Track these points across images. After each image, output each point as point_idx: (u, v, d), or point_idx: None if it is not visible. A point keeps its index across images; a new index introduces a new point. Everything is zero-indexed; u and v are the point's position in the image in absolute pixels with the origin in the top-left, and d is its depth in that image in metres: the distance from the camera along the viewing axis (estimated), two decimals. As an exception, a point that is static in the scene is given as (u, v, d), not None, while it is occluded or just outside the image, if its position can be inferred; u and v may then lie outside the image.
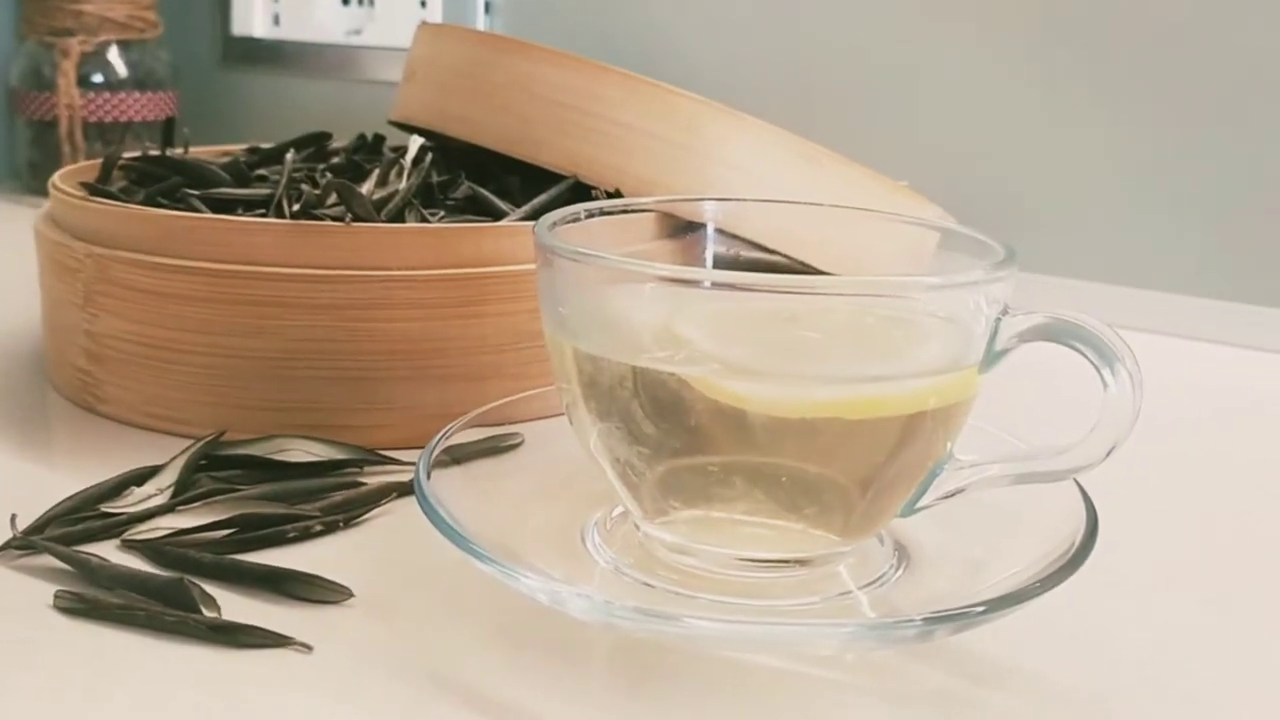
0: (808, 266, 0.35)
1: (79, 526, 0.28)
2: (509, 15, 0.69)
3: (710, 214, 0.32)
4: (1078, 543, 0.24)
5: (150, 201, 0.38)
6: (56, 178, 0.40)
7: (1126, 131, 0.52)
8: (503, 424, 0.33)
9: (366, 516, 0.30)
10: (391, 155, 0.40)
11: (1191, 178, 0.50)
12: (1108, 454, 0.24)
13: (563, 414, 0.28)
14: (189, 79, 0.80)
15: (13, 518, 0.28)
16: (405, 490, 0.31)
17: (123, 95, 0.74)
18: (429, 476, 0.27)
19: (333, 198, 0.37)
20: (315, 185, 0.38)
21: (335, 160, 0.45)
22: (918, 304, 0.27)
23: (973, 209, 0.54)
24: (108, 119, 0.74)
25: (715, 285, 0.24)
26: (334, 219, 0.35)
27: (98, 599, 0.25)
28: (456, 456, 0.30)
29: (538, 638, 0.25)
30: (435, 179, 0.40)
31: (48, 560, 0.27)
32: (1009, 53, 0.54)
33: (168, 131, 0.46)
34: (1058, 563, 0.24)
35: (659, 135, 0.39)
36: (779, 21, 0.60)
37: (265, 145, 0.49)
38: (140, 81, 0.75)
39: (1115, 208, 0.52)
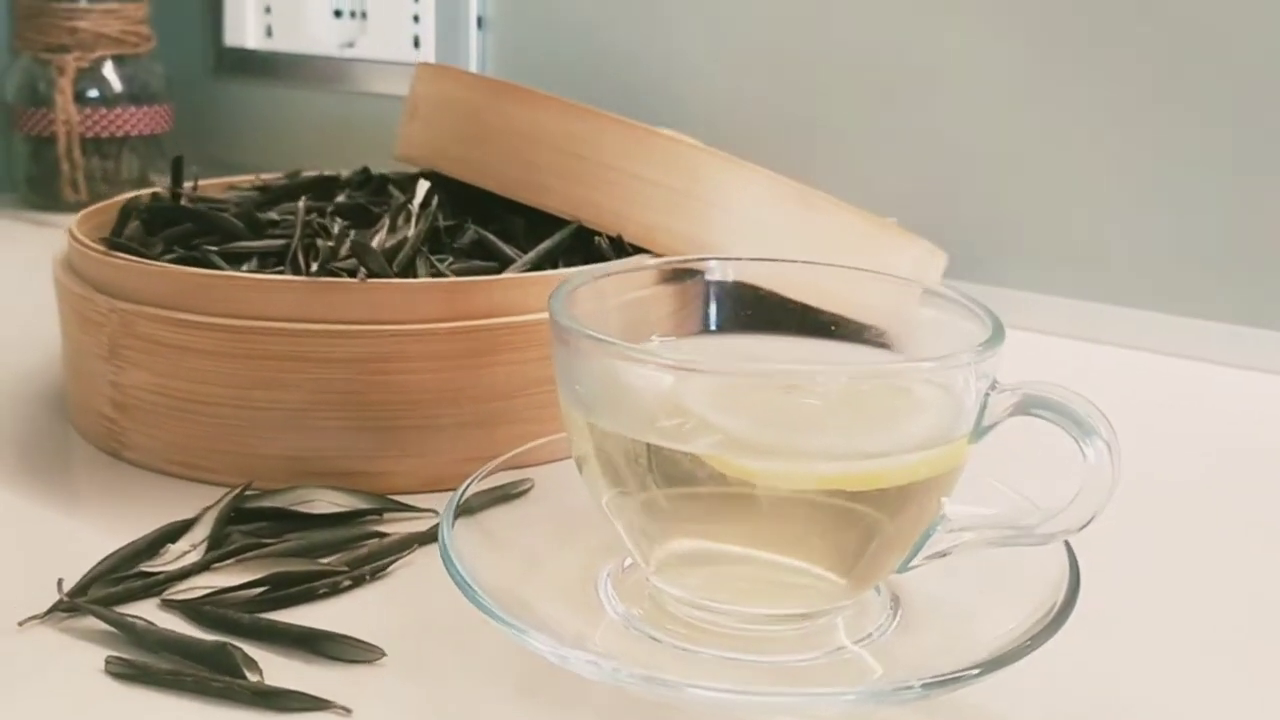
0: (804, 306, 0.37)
1: (120, 587, 0.30)
2: (501, 31, 0.70)
3: (713, 268, 0.34)
4: (1059, 603, 0.26)
5: (169, 252, 0.39)
6: (74, 226, 0.41)
7: (1126, 149, 0.53)
8: (513, 468, 0.34)
9: (391, 569, 0.32)
10: (400, 200, 0.42)
11: (1197, 196, 0.52)
12: (1086, 523, 0.26)
13: (570, 457, 0.29)
14: (182, 90, 0.81)
15: (59, 582, 0.30)
16: (425, 539, 0.33)
17: (119, 110, 0.75)
18: (452, 537, 0.29)
19: (347, 244, 0.38)
20: (327, 233, 0.39)
21: (341, 200, 0.46)
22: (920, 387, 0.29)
23: (967, 227, 0.56)
24: (104, 134, 0.75)
25: (721, 373, 0.26)
26: (348, 272, 0.36)
27: (147, 665, 0.27)
28: (471, 506, 0.32)
29: (565, 690, 0.27)
30: (442, 223, 0.41)
31: (92, 622, 0.29)
32: (1009, 70, 0.55)
33: (176, 170, 0.48)
34: (1046, 617, 0.26)
35: (659, 182, 0.40)
36: (770, 37, 0.61)
37: (271, 177, 0.51)
38: (135, 95, 0.76)
39: (1113, 226, 0.54)
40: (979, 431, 0.26)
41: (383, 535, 0.33)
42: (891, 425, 0.27)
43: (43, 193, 0.76)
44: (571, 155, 0.41)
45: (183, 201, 0.45)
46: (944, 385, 0.27)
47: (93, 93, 0.75)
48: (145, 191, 0.47)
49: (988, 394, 0.26)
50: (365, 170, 0.50)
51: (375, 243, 0.38)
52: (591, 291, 0.30)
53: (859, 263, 0.42)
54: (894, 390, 0.28)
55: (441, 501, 0.35)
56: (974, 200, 0.57)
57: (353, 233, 0.39)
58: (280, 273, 0.37)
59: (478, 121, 0.43)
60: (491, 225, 0.43)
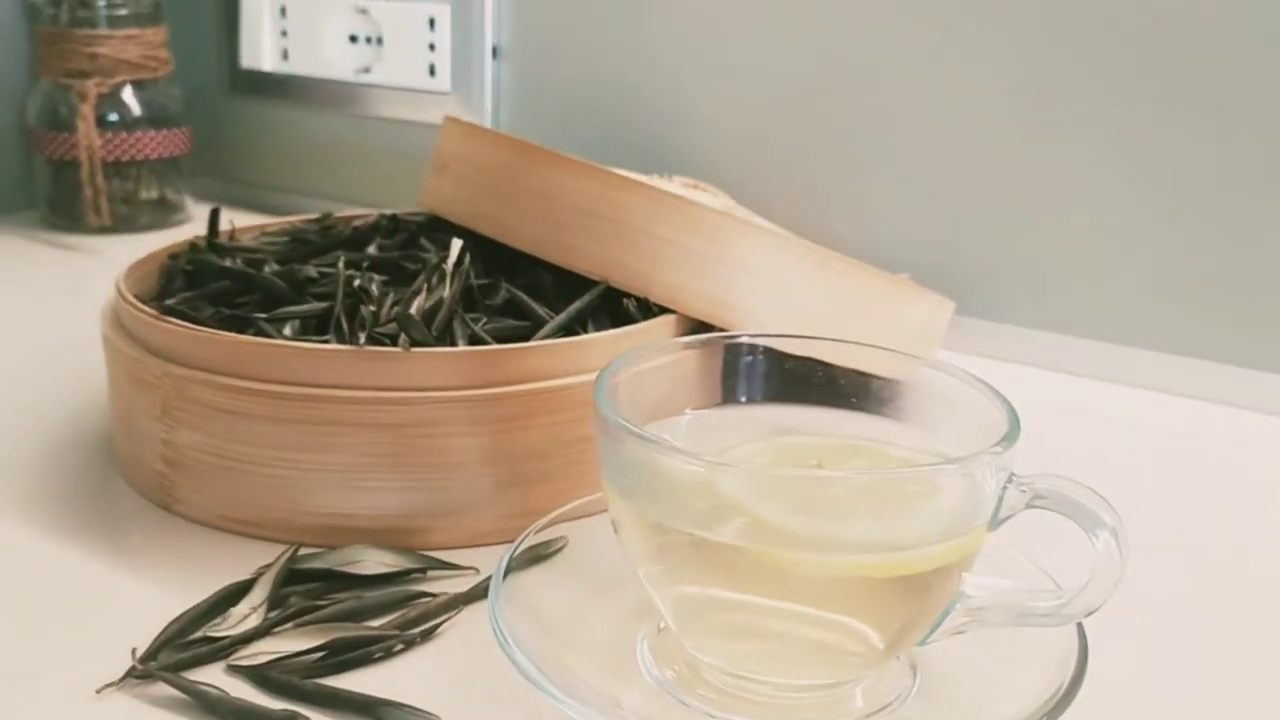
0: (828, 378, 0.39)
1: (188, 653, 0.32)
2: (516, 60, 0.71)
3: (743, 342, 0.36)
4: (1065, 684, 0.28)
5: (215, 312, 0.41)
6: (121, 282, 0.43)
7: (1126, 188, 0.55)
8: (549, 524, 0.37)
9: (439, 631, 0.34)
10: (434, 261, 0.43)
11: (1197, 230, 0.54)
12: (1094, 610, 0.28)
13: (602, 512, 0.31)
14: (198, 110, 0.83)
15: (133, 651, 0.32)
16: (469, 599, 0.35)
17: (139, 134, 0.77)
18: (501, 609, 0.31)
19: (388, 305, 0.40)
20: (368, 295, 0.41)
21: (373, 251, 0.48)
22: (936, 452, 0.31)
23: (970, 262, 0.58)
24: (125, 158, 0.76)
25: (753, 473, 0.28)
26: (392, 339, 0.38)
27: (218, 734, 0.29)
28: (512, 566, 0.34)
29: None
30: (475, 281, 0.43)
31: (163, 688, 0.31)
32: (1009, 104, 0.57)
33: (213, 222, 0.49)
34: (1057, 694, 0.28)
35: (682, 244, 0.42)
36: (775, 71, 0.63)
37: (302, 221, 0.52)
38: (154, 119, 0.78)
39: (1114, 268, 0.56)
40: (995, 522, 0.28)
41: (429, 595, 0.35)
42: (915, 513, 0.29)
43: (64, 214, 0.78)
44: (599, 218, 0.43)
45: (220, 253, 0.47)
46: (966, 475, 0.29)
47: (113, 117, 0.76)
48: (183, 241, 0.49)
49: (1005, 486, 0.28)
50: (394, 218, 0.52)
51: (414, 307, 0.40)
52: (629, 375, 0.32)
53: (874, 318, 0.44)
54: (918, 479, 0.30)
55: (480, 557, 0.37)
56: (975, 236, 0.58)
57: (392, 294, 0.41)
58: (325, 339, 0.39)
59: (507, 182, 0.44)
60: (520, 279, 0.45)
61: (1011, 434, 0.28)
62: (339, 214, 0.54)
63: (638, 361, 0.33)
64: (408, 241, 0.49)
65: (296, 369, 0.37)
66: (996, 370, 0.56)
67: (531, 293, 0.44)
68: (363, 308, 0.39)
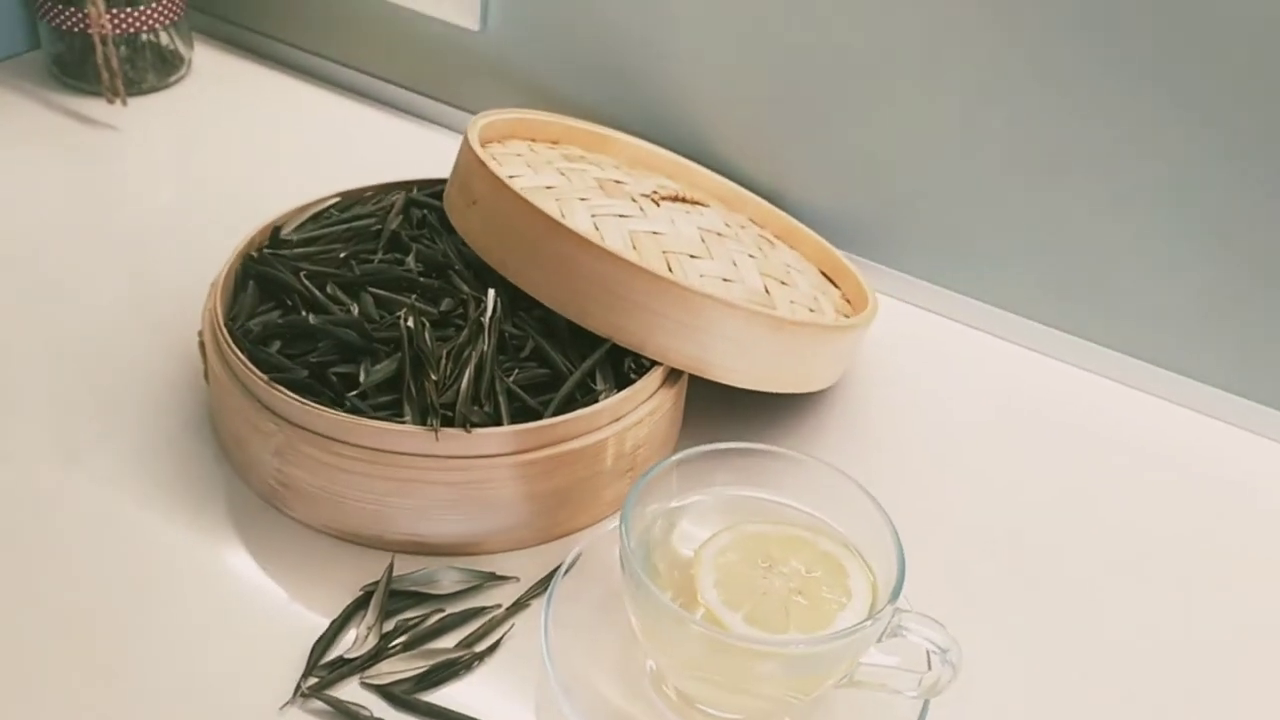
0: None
1: (333, 674, 0.47)
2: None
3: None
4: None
5: (313, 374, 0.52)
6: (218, 311, 0.54)
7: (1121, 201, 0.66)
8: (563, 536, 0.52)
9: (500, 644, 0.49)
10: (474, 316, 0.54)
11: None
12: (937, 694, 0.44)
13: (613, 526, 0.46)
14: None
15: (299, 683, 0.46)
16: (515, 609, 0.50)
17: (141, 9, 0.81)
18: (550, 646, 0.46)
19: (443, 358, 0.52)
20: (430, 360, 0.52)
21: (411, 263, 0.58)
22: (852, 560, 0.46)
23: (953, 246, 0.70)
24: (131, 31, 0.81)
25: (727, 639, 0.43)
26: (452, 414, 0.50)
27: (374, 749, 0.45)
28: (550, 602, 0.49)
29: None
30: (508, 330, 0.55)
31: (319, 704, 0.46)
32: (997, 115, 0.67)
33: (275, 236, 0.59)
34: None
35: (672, 316, 0.54)
36: (771, 30, 0.70)
37: (338, 203, 0.62)
38: (156, -12, 0.82)
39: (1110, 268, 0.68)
40: (883, 636, 0.44)
41: (489, 608, 0.50)
42: (833, 621, 0.44)
43: (73, 74, 0.83)
44: (607, 291, 0.54)
45: (280, 263, 0.57)
46: (871, 625, 0.43)
47: (116, -9, 0.80)
48: (257, 235, 0.59)
49: (893, 613, 0.43)
50: (411, 199, 0.62)
51: (466, 380, 0.52)
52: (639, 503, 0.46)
53: (813, 360, 0.57)
54: (838, 595, 0.45)
55: (521, 560, 0.52)
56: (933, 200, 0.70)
57: (445, 353, 0.53)
58: (402, 416, 0.51)
59: (530, 245, 0.55)
60: (537, 310, 0.56)
61: (897, 589, 0.43)
62: (354, 188, 0.64)
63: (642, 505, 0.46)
64: (442, 273, 0.59)
65: (385, 440, 0.50)
66: (918, 317, 0.69)
67: (548, 330, 0.56)
68: (426, 383, 0.51)
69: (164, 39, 0.84)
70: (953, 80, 0.64)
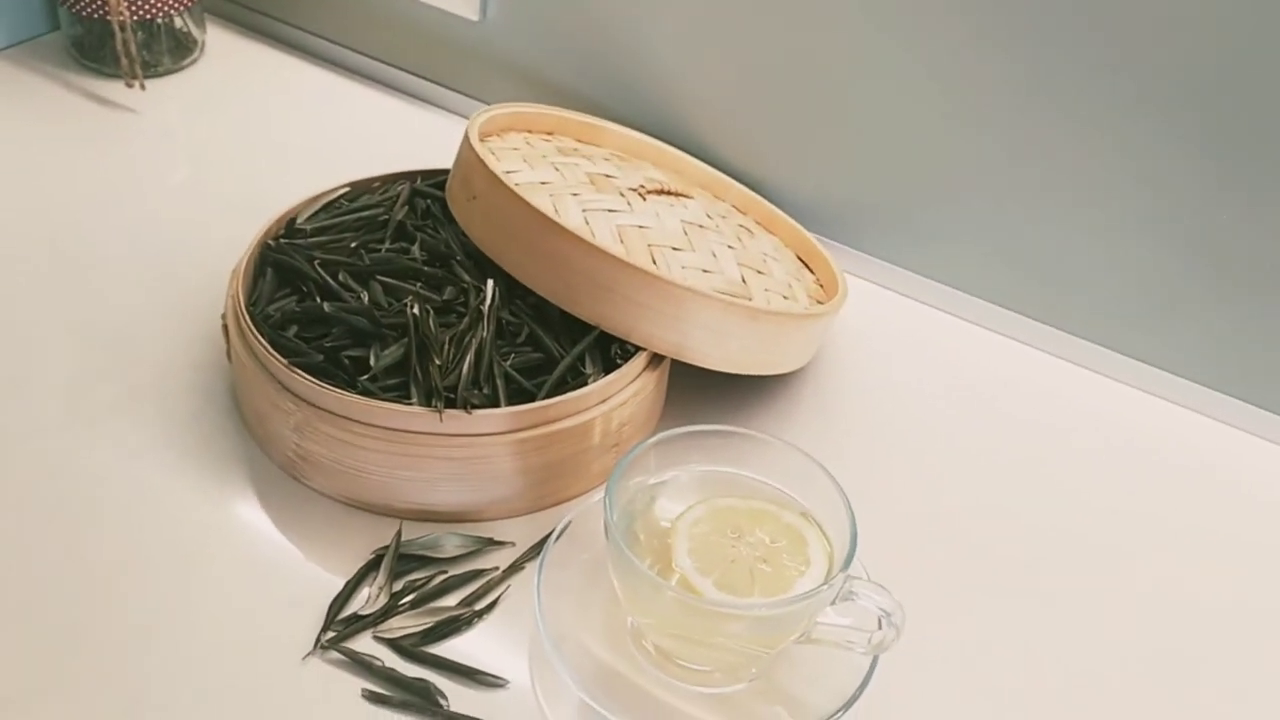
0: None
1: (348, 629, 0.52)
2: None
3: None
4: (858, 684, 0.50)
5: (328, 357, 0.57)
6: (246, 318, 0.59)
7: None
8: (555, 505, 0.57)
9: (497, 602, 0.55)
10: (474, 305, 0.60)
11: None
12: (882, 652, 0.50)
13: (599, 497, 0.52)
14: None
15: (319, 635, 0.52)
16: (510, 571, 0.56)
17: (159, -5, 0.85)
18: (542, 612, 0.52)
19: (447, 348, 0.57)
20: (435, 346, 0.57)
21: (416, 253, 0.63)
22: (811, 531, 0.51)
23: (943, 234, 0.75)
24: (147, 17, 0.85)
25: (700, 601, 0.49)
26: (454, 396, 0.56)
27: (383, 695, 0.50)
28: (542, 566, 0.54)
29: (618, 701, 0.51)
30: (505, 317, 0.60)
31: (337, 655, 0.52)
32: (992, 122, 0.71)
33: (290, 226, 0.64)
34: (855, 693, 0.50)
35: (655, 307, 0.59)
36: (755, 26, 0.75)
37: (348, 191, 0.67)
38: (171, -24, 0.86)
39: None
40: (836, 599, 0.49)
41: (487, 570, 0.56)
42: (792, 586, 0.50)
43: (91, 56, 0.87)
44: (596, 284, 0.59)
45: (296, 251, 0.62)
46: (825, 590, 0.49)
47: (133, -21, 0.84)
48: (276, 223, 0.64)
49: (845, 580, 0.49)
50: (416, 191, 0.67)
51: (467, 365, 0.57)
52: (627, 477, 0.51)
53: (785, 347, 0.63)
54: (798, 563, 0.50)
55: (517, 527, 0.58)
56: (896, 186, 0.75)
57: (447, 338, 0.58)
58: (410, 399, 0.56)
59: (527, 242, 0.60)
60: (531, 298, 0.61)
61: (849, 558, 0.49)
62: (362, 179, 0.69)
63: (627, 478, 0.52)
64: (445, 263, 0.64)
65: (394, 420, 0.55)
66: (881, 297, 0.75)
67: (541, 317, 0.61)
68: (431, 367, 0.56)
69: (178, 22, 0.88)
70: (926, 80, 0.69)
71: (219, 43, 0.93)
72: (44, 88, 0.86)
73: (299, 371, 0.56)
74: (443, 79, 0.88)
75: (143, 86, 0.85)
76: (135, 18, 0.85)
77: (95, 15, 0.84)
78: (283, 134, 0.85)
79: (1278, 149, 0.61)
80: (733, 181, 0.77)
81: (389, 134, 0.86)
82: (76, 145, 0.81)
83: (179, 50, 0.89)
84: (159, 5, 0.85)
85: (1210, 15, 0.59)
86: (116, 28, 0.83)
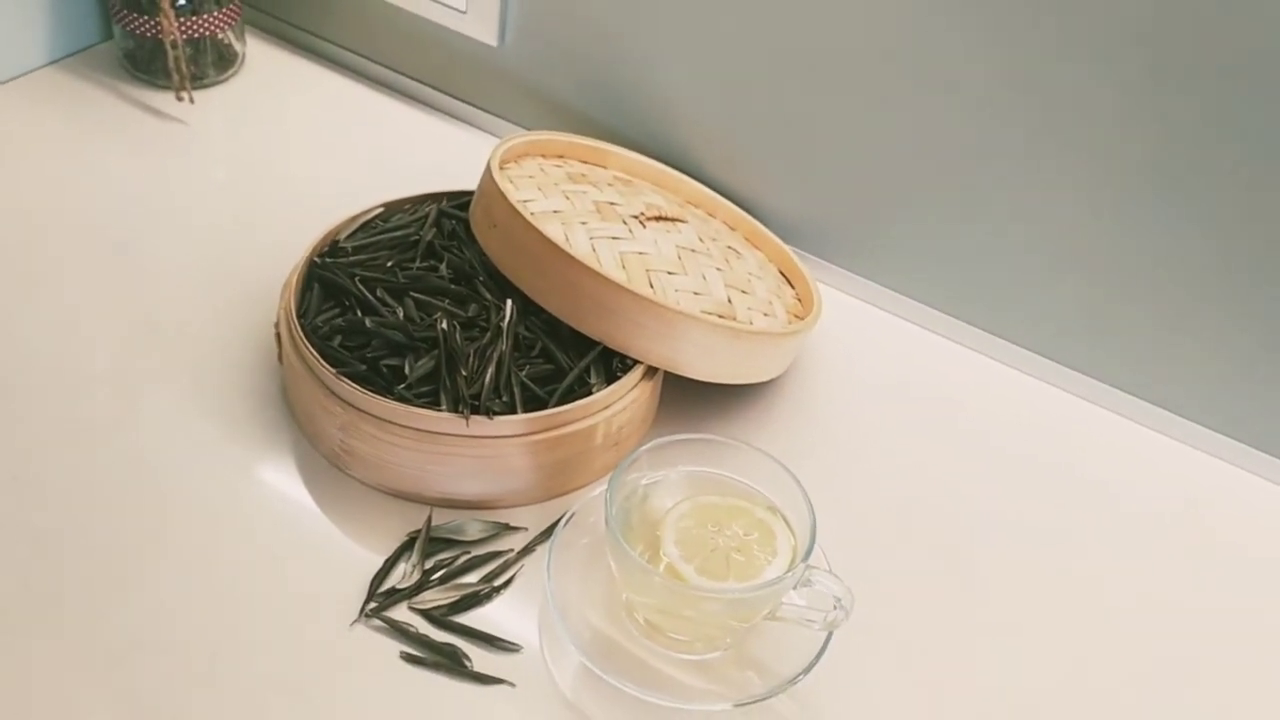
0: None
1: (387, 600, 0.62)
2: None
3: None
4: (814, 655, 0.60)
5: (371, 367, 0.67)
6: (292, 308, 0.68)
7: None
8: (562, 495, 0.67)
9: (513, 579, 0.64)
10: (495, 323, 0.69)
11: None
12: (834, 629, 0.60)
13: (601, 490, 0.61)
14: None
15: (364, 605, 0.62)
16: (524, 553, 0.66)
17: (204, 16, 0.93)
18: (552, 590, 0.61)
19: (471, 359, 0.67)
20: (461, 358, 0.67)
21: (444, 271, 0.72)
22: (779, 525, 0.61)
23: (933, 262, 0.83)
24: (196, 35, 0.94)
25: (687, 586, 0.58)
26: (477, 403, 0.65)
27: (418, 656, 0.60)
28: (552, 549, 0.64)
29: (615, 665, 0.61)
30: (521, 333, 0.69)
31: (379, 623, 0.61)
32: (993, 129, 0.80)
33: (334, 245, 0.73)
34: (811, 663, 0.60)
35: (651, 327, 0.68)
36: (759, 37, 0.83)
37: (380, 214, 0.76)
38: (218, -1, 0.94)
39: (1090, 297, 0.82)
40: (798, 585, 0.59)
41: (504, 552, 0.65)
42: (762, 574, 0.59)
43: (143, 70, 0.96)
44: (602, 306, 0.68)
45: (340, 260, 0.71)
46: (788, 577, 0.59)
47: (181, 1, 0.92)
48: (324, 239, 0.73)
49: (804, 569, 0.59)
50: (443, 212, 0.76)
51: (489, 376, 0.66)
52: (625, 476, 0.61)
53: (765, 361, 0.72)
54: (767, 553, 0.60)
55: (530, 515, 0.67)
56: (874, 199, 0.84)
57: (473, 350, 0.67)
58: (439, 404, 0.65)
59: (540, 267, 0.69)
60: (544, 315, 0.71)
61: (808, 550, 0.58)
62: (394, 200, 0.78)
63: (627, 473, 0.61)
64: (468, 280, 0.73)
65: (426, 423, 0.65)
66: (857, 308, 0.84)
67: (553, 332, 0.70)
68: (458, 378, 0.66)
69: (221, 36, 0.96)
70: (908, 98, 0.78)
71: (258, 54, 1.01)
72: (100, 98, 0.95)
73: (346, 380, 0.66)
74: (465, 95, 0.96)
75: (192, 100, 0.93)
76: (185, 36, 0.93)
77: (149, 35, 0.92)
78: (317, 142, 0.93)
79: (1239, 167, 0.67)
80: (723, 200, 0.86)
81: (415, 145, 0.95)
82: (133, 155, 0.90)
83: (222, 63, 0.97)
84: (207, 24, 0.93)
85: (1165, 31, 0.67)
86: (169, 46, 0.91)
